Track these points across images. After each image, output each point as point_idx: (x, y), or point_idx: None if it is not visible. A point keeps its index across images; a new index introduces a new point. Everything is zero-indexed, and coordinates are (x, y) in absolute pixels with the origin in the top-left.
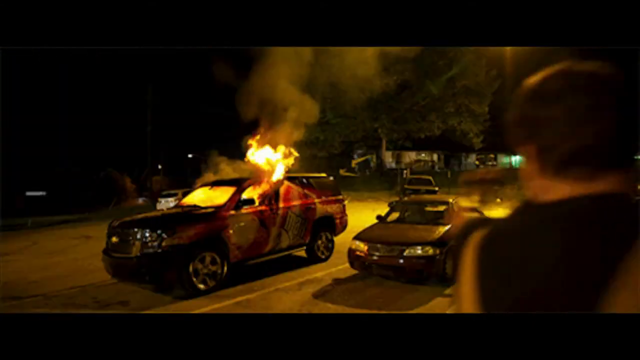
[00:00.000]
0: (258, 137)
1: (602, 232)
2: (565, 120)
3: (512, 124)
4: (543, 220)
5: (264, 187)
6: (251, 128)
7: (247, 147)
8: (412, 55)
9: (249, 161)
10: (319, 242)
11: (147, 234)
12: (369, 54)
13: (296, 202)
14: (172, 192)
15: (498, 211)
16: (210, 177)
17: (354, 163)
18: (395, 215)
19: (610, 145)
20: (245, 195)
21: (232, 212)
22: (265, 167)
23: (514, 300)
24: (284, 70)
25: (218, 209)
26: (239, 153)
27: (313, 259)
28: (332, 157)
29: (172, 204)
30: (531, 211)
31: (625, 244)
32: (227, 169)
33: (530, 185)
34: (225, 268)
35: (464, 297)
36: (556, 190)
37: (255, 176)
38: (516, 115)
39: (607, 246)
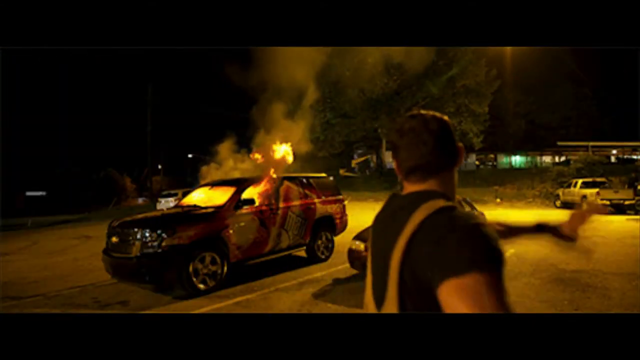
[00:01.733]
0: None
1: (401, 214)
2: (407, 147)
3: (390, 147)
4: (396, 204)
5: (264, 187)
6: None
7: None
8: (416, 60)
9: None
10: (319, 242)
11: (147, 234)
12: (370, 55)
13: (296, 202)
14: (172, 192)
15: (498, 211)
16: (214, 172)
17: (354, 163)
18: None
19: (429, 163)
20: (245, 195)
21: (232, 212)
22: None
23: (372, 254)
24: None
25: (218, 209)
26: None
27: (313, 259)
28: (332, 157)
29: (172, 204)
30: (396, 199)
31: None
32: (232, 163)
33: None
34: (225, 268)
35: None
36: (407, 188)
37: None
38: (389, 141)
39: (398, 224)
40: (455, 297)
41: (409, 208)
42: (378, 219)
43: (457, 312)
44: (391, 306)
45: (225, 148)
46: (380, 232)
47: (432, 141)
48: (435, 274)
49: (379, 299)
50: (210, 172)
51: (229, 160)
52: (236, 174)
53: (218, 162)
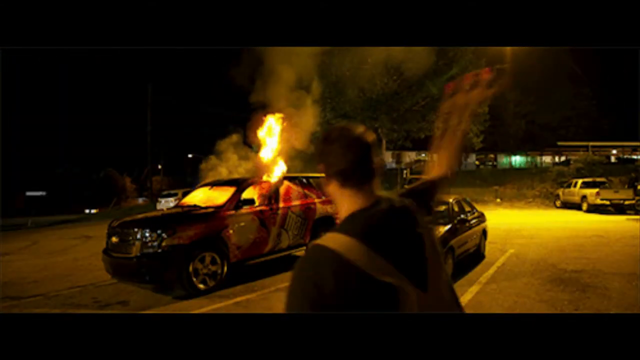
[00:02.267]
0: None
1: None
2: (337, 152)
3: (316, 155)
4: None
5: (264, 187)
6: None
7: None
8: (417, 62)
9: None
10: None
11: (147, 234)
12: (370, 55)
13: (296, 202)
14: (172, 192)
15: (498, 211)
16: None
17: None
18: None
19: (356, 170)
20: (245, 195)
21: (232, 212)
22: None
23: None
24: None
25: (218, 209)
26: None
27: None
28: None
29: (172, 204)
30: (360, 215)
31: None
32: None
33: (332, 197)
34: (225, 268)
35: None
36: (345, 194)
37: (258, 172)
38: (316, 149)
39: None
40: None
41: (399, 207)
42: (374, 237)
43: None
44: (439, 275)
45: (227, 144)
46: (393, 238)
47: (358, 150)
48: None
49: (423, 280)
50: (213, 168)
51: (232, 155)
52: (240, 170)
53: (221, 157)
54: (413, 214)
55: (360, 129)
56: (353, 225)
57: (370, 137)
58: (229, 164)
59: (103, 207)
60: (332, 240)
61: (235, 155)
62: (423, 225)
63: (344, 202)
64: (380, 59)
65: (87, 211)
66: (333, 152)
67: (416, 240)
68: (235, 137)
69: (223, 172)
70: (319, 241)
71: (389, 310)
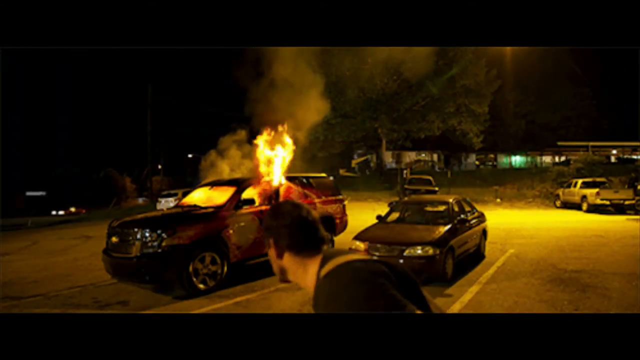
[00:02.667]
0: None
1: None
2: (287, 227)
3: (264, 231)
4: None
5: (264, 187)
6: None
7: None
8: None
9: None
10: None
11: (147, 234)
12: (370, 55)
13: None
14: (172, 192)
15: (497, 211)
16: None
17: (354, 163)
18: (395, 215)
19: (310, 237)
20: (245, 195)
21: (232, 212)
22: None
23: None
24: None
25: (218, 208)
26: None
27: None
28: (332, 157)
29: (172, 204)
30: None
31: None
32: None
33: (284, 268)
34: (225, 268)
35: None
36: (302, 260)
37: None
38: (265, 225)
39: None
40: None
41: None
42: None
43: None
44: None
45: (230, 141)
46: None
47: (295, 225)
48: None
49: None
50: (213, 164)
51: (236, 152)
52: (243, 169)
53: (223, 154)
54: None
55: (304, 206)
56: (339, 257)
57: (315, 213)
58: (232, 161)
59: (103, 206)
60: (358, 258)
61: (239, 152)
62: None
63: (308, 267)
64: (380, 59)
65: (72, 209)
66: (283, 227)
67: (408, 279)
68: (240, 134)
69: (225, 170)
70: (343, 261)
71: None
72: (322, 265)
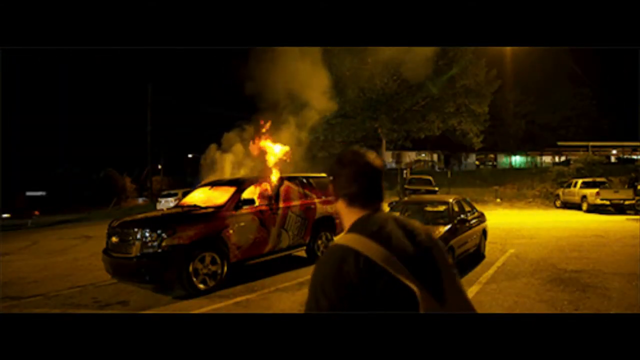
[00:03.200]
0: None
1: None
2: (347, 177)
3: (328, 174)
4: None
5: (264, 187)
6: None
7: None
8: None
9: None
10: (319, 242)
11: (147, 234)
12: (370, 55)
13: (296, 202)
14: (172, 192)
15: (497, 211)
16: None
17: None
18: None
19: (364, 194)
20: (245, 195)
21: (232, 212)
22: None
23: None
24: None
25: (218, 209)
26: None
27: (313, 259)
28: (332, 157)
29: (172, 204)
30: (369, 220)
31: None
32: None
33: (338, 212)
34: (225, 268)
35: None
36: (351, 211)
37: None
38: (329, 169)
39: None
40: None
41: (408, 223)
42: (391, 244)
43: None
44: (455, 287)
45: (235, 137)
46: (409, 250)
47: (369, 175)
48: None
49: (440, 293)
50: (213, 161)
51: (240, 148)
52: (246, 163)
53: (226, 149)
54: (419, 230)
55: (371, 155)
56: (364, 228)
57: (380, 162)
58: (235, 157)
59: (103, 206)
60: (351, 240)
61: (243, 149)
62: (430, 242)
63: (351, 219)
64: (380, 59)
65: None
66: (344, 176)
67: (426, 253)
68: (246, 130)
69: (227, 167)
70: (339, 241)
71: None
72: (350, 228)
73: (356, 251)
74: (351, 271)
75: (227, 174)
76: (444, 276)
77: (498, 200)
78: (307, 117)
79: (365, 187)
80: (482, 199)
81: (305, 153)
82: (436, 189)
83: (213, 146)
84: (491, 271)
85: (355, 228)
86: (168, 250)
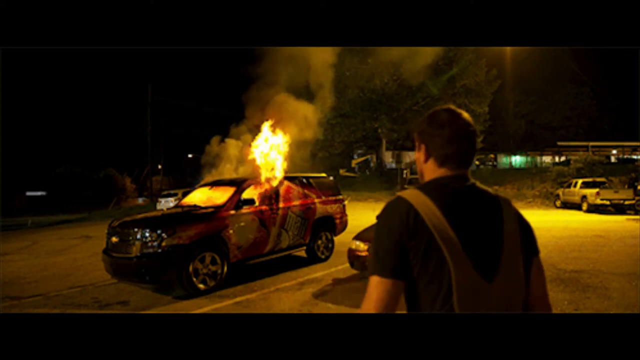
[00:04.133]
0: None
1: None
2: (443, 138)
3: (417, 133)
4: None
5: (264, 187)
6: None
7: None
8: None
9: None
10: (319, 242)
11: (147, 234)
12: (370, 55)
13: (296, 202)
14: (172, 192)
15: None
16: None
17: (354, 163)
18: None
19: (460, 155)
20: (245, 195)
21: (232, 212)
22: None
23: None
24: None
25: (218, 208)
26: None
27: (313, 259)
28: (332, 157)
29: (172, 204)
30: (444, 183)
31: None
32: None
33: (422, 170)
34: (225, 268)
35: None
36: (439, 172)
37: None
38: (420, 129)
39: (492, 208)
40: (541, 270)
41: (488, 194)
42: (453, 209)
43: (540, 282)
44: (513, 270)
45: (241, 131)
46: (471, 219)
47: (465, 138)
48: (530, 248)
49: (491, 271)
50: (216, 155)
51: (240, 144)
52: (247, 165)
53: (231, 140)
54: (501, 206)
55: (467, 116)
56: (435, 187)
57: (474, 125)
58: (239, 152)
59: (103, 206)
60: (412, 195)
61: (245, 148)
62: (509, 220)
63: (431, 177)
64: (380, 59)
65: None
66: (439, 136)
67: (495, 230)
68: (245, 131)
69: (228, 166)
70: (400, 193)
71: (442, 283)
72: (423, 184)
73: (410, 205)
74: (402, 223)
75: (227, 174)
76: (505, 257)
77: None
78: (308, 118)
79: (463, 148)
80: None
81: (306, 153)
82: None
83: (216, 137)
84: None
85: (426, 185)
86: (168, 250)
